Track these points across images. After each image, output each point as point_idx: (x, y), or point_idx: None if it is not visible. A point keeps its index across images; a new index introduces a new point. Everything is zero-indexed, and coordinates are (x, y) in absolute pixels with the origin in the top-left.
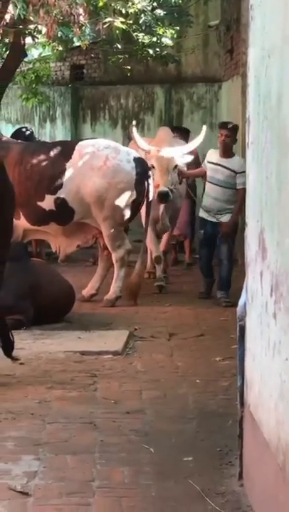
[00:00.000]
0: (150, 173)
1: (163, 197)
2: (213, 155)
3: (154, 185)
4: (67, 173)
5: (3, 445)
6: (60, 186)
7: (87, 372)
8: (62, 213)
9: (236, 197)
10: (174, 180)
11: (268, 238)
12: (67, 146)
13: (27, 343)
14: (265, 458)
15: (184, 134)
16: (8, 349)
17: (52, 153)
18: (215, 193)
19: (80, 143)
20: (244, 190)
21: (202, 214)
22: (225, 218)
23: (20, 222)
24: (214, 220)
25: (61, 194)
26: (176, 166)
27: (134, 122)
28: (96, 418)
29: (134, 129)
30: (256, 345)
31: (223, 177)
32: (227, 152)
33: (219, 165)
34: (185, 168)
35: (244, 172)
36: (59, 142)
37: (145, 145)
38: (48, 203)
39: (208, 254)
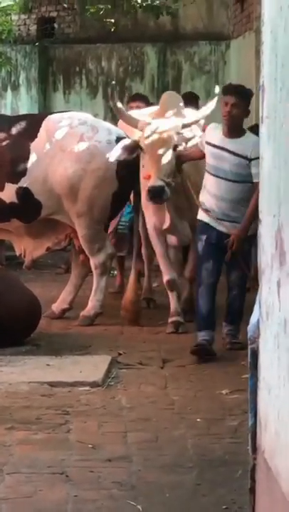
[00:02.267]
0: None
1: (156, 194)
2: (214, 133)
3: (144, 176)
4: (32, 157)
5: None
6: (24, 173)
7: (57, 409)
8: (27, 207)
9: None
10: (173, 169)
11: (287, 238)
12: (32, 122)
13: None
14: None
15: (192, 102)
16: None
17: (13, 131)
18: (219, 189)
19: (49, 117)
20: None
21: (202, 216)
22: (232, 228)
23: None
24: (222, 229)
25: (24, 183)
26: (175, 147)
27: (113, 82)
28: (69, 467)
29: (115, 95)
30: (272, 374)
31: (229, 166)
32: (235, 129)
33: (224, 149)
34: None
35: None
36: (22, 116)
37: (130, 117)
38: (8, 193)
39: (210, 279)
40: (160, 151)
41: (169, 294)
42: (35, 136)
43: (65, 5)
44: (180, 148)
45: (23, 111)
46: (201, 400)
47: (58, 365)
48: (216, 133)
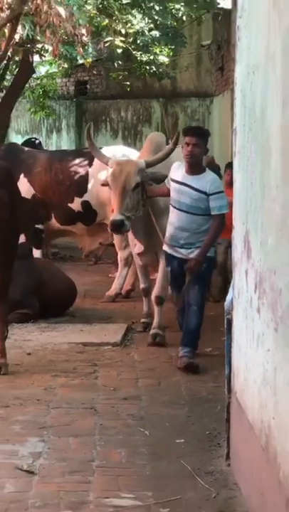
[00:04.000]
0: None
1: (115, 227)
2: (177, 171)
3: (111, 209)
4: (90, 178)
5: (12, 428)
6: (86, 190)
7: (88, 362)
8: (88, 214)
9: (211, 224)
10: (135, 204)
11: (252, 239)
12: (89, 154)
13: (34, 335)
14: (249, 439)
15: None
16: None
17: (78, 160)
18: (180, 221)
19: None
20: (220, 217)
21: (166, 248)
22: (196, 254)
23: (51, 223)
24: (182, 256)
25: (86, 197)
26: (137, 185)
27: (89, 124)
28: (96, 404)
29: (90, 136)
30: (242, 337)
31: (189, 200)
32: (195, 167)
33: (185, 184)
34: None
35: (219, 193)
36: (82, 150)
37: (102, 154)
38: (76, 205)
39: (183, 304)
40: (122, 188)
41: (143, 298)
42: (92, 164)
43: (95, 72)
44: (146, 184)
45: (64, 148)
46: None
47: (89, 330)
48: (178, 170)
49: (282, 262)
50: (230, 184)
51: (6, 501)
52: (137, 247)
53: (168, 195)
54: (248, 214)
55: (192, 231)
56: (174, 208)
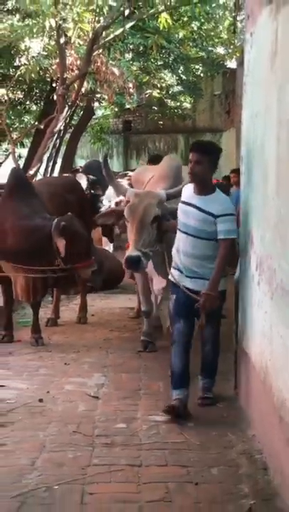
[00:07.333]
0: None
1: (131, 264)
2: (187, 191)
3: (126, 245)
4: None
5: (82, 367)
6: None
7: (134, 321)
8: None
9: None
10: (152, 239)
11: (254, 234)
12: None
13: (96, 301)
14: (252, 375)
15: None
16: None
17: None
18: (185, 245)
19: None
20: (229, 241)
21: (170, 275)
22: (201, 284)
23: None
24: (188, 284)
25: None
26: (155, 217)
27: (105, 155)
28: (141, 351)
29: (108, 170)
30: (247, 302)
31: (195, 222)
32: (201, 186)
33: (190, 204)
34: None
35: (228, 215)
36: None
37: (119, 185)
38: None
39: (183, 338)
40: (139, 222)
41: (144, 320)
42: None
43: (137, 114)
44: (164, 218)
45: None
46: None
47: (135, 299)
48: (187, 191)
49: (275, 250)
50: None
51: (79, 417)
52: (158, 282)
53: None
54: (252, 217)
55: (197, 257)
56: (180, 230)
